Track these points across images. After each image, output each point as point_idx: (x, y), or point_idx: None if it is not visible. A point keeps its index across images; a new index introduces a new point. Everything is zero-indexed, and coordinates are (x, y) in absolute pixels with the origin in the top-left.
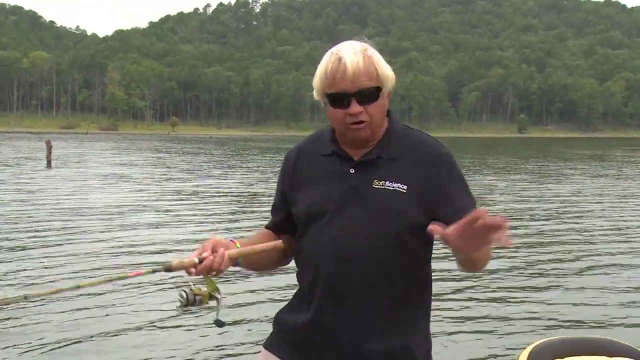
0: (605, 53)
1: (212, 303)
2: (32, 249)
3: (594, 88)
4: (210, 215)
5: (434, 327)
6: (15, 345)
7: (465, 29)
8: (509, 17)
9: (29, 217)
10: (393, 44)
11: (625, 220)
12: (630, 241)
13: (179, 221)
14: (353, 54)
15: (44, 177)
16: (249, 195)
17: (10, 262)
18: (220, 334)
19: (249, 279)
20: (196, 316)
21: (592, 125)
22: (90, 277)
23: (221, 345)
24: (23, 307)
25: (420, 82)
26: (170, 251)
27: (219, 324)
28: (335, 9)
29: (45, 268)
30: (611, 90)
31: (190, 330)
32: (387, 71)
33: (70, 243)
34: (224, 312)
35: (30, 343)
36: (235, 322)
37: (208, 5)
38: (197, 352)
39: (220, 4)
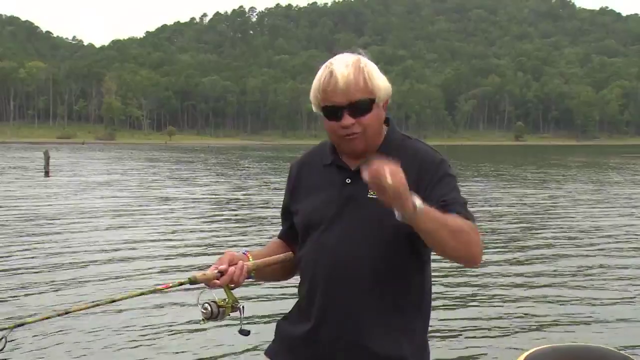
0: (601, 61)
1: (234, 314)
2: (33, 261)
3: (590, 96)
4: (210, 222)
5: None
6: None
7: (461, 37)
8: (505, 25)
9: (29, 226)
10: (389, 52)
11: (621, 227)
12: (625, 248)
13: (179, 228)
14: (344, 67)
15: (42, 186)
16: (246, 202)
17: (14, 271)
18: (223, 341)
19: (257, 288)
20: (197, 322)
21: (589, 133)
22: (124, 291)
23: (225, 352)
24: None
25: (417, 91)
26: (174, 256)
27: (244, 333)
28: (331, 17)
29: (48, 271)
30: (607, 98)
31: (192, 336)
32: (380, 82)
33: (71, 252)
34: (231, 320)
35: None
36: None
37: (205, 15)
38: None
39: (217, 14)
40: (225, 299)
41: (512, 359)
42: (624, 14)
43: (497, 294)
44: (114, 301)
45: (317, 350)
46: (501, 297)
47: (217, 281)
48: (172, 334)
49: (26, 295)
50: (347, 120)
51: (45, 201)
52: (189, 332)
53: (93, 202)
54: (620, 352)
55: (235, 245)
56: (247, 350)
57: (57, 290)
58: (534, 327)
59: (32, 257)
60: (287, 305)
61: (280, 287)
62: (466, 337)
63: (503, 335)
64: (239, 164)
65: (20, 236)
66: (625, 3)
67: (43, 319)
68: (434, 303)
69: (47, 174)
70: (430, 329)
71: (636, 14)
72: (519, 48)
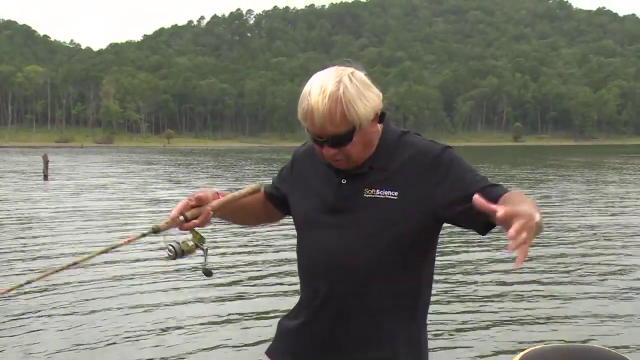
0: (599, 61)
1: (199, 252)
2: (32, 258)
3: (588, 96)
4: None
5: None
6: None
7: (458, 38)
8: (502, 26)
9: (27, 228)
10: (387, 54)
11: (621, 226)
12: (623, 248)
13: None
14: (321, 99)
15: (41, 189)
16: None
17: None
18: (228, 337)
19: (262, 284)
20: (204, 317)
21: (587, 133)
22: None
23: (228, 350)
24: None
25: (415, 92)
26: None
27: (207, 272)
28: (329, 19)
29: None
30: (605, 98)
31: (196, 335)
32: (361, 107)
33: (68, 250)
34: (238, 305)
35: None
36: (245, 328)
37: (202, 18)
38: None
39: (214, 16)
40: (190, 239)
41: (510, 357)
42: (620, 14)
43: (493, 293)
44: (75, 263)
45: (313, 349)
46: (497, 295)
47: (181, 227)
48: (176, 332)
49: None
50: (328, 151)
51: (45, 204)
52: (194, 331)
53: (91, 204)
54: (619, 352)
55: (228, 244)
56: (249, 349)
57: (50, 287)
58: (530, 325)
59: (29, 254)
60: (292, 303)
61: (281, 285)
62: (461, 337)
63: (498, 335)
64: (236, 166)
65: (19, 237)
66: (622, 3)
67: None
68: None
69: (46, 177)
70: (427, 326)
71: (633, 14)
72: (516, 49)
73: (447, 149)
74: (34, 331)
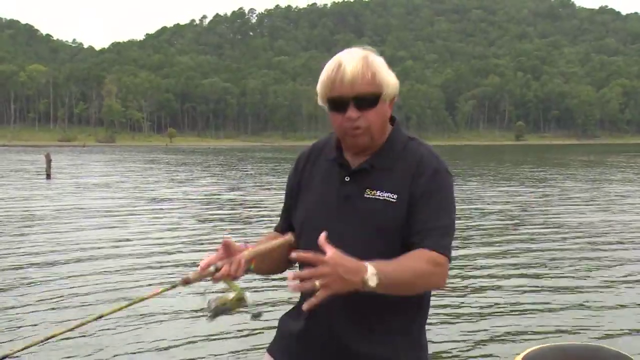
0: (601, 60)
1: (241, 303)
2: (33, 262)
3: (590, 95)
4: (204, 221)
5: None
6: None
7: (460, 37)
8: (504, 25)
9: (29, 226)
10: (389, 53)
11: (622, 226)
12: (624, 245)
13: (175, 227)
14: (353, 60)
15: (44, 188)
16: (242, 202)
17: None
18: (232, 337)
19: (263, 277)
20: (196, 320)
21: (589, 132)
22: (110, 305)
23: (232, 349)
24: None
25: (417, 91)
26: (173, 252)
27: (256, 316)
28: (331, 19)
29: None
30: (607, 97)
31: (202, 330)
32: (388, 77)
33: (71, 250)
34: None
35: None
36: (244, 322)
37: (204, 17)
38: (208, 354)
39: (217, 15)
40: (228, 293)
41: (510, 358)
42: (623, 12)
43: (491, 290)
44: (101, 317)
45: (312, 348)
46: (496, 290)
47: (211, 278)
48: (170, 331)
49: (24, 290)
50: (353, 112)
51: (47, 202)
52: (191, 329)
53: (93, 203)
54: (620, 351)
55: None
56: (256, 346)
57: (52, 284)
58: (535, 327)
59: (30, 255)
60: (294, 300)
61: (284, 279)
62: (465, 337)
63: (504, 333)
64: (238, 165)
65: (21, 235)
66: (625, 2)
67: (25, 348)
68: (432, 301)
69: (48, 176)
70: (429, 326)
71: (635, 13)
72: (518, 48)
73: (449, 175)
74: (28, 325)
